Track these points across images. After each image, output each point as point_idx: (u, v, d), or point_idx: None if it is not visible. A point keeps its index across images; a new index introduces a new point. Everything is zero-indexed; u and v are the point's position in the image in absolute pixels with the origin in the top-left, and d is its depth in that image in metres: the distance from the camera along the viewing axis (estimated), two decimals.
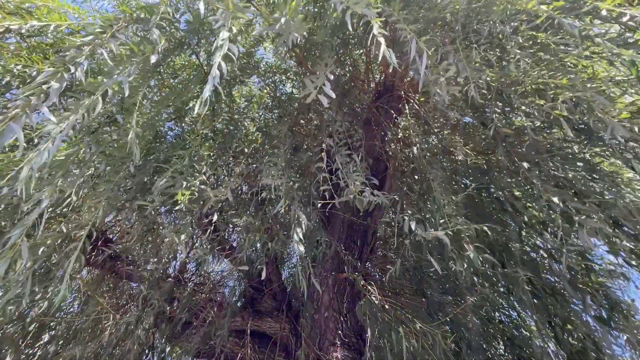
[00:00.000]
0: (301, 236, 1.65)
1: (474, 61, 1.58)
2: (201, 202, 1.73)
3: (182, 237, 1.75)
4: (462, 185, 2.74)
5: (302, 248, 1.62)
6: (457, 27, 1.55)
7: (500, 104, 2.10)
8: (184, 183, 1.65)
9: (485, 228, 1.72)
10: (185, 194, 1.62)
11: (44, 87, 1.14)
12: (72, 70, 1.21)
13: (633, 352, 1.79)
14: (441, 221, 1.76)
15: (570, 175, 1.91)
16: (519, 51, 1.55)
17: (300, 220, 1.70)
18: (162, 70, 2.37)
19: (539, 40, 1.67)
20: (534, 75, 1.63)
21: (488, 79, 1.61)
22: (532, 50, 1.71)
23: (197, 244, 2.71)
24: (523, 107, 1.88)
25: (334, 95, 1.36)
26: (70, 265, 1.37)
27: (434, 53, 1.52)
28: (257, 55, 3.06)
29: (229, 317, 2.44)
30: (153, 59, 1.28)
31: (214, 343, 2.43)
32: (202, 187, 1.70)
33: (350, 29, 1.37)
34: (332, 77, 1.47)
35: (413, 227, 1.69)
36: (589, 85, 1.56)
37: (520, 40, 1.60)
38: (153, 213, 2.65)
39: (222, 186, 1.81)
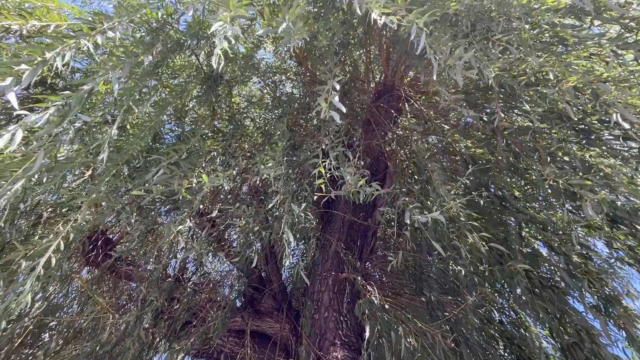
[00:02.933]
0: (292, 218, 1.65)
1: (489, 51, 1.56)
2: (199, 191, 1.72)
3: (180, 227, 1.75)
4: (462, 185, 2.74)
5: (291, 237, 1.61)
6: (466, 22, 1.54)
7: (503, 97, 2.09)
8: (181, 174, 1.65)
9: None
10: (183, 184, 1.62)
11: (15, 68, 1.08)
12: (49, 58, 1.15)
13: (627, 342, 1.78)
14: (441, 207, 1.76)
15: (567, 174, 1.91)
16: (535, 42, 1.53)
17: (293, 210, 1.70)
18: (161, 71, 2.37)
19: (558, 28, 1.65)
20: (538, 63, 1.61)
21: (492, 75, 1.61)
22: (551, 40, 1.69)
23: (195, 241, 2.72)
24: (526, 97, 1.86)
25: (344, 110, 1.37)
26: (41, 262, 1.34)
27: (446, 42, 1.50)
28: (258, 56, 3.05)
29: (227, 316, 2.44)
30: (146, 60, 1.25)
31: (213, 342, 2.43)
32: (200, 180, 1.70)
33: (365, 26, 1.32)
34: (338, 86, 1.47)
35: (413, 212, 1.69)
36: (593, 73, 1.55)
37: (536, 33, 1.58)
38: (153, 213, 2.65)
39: (219, 177, 1.80)
